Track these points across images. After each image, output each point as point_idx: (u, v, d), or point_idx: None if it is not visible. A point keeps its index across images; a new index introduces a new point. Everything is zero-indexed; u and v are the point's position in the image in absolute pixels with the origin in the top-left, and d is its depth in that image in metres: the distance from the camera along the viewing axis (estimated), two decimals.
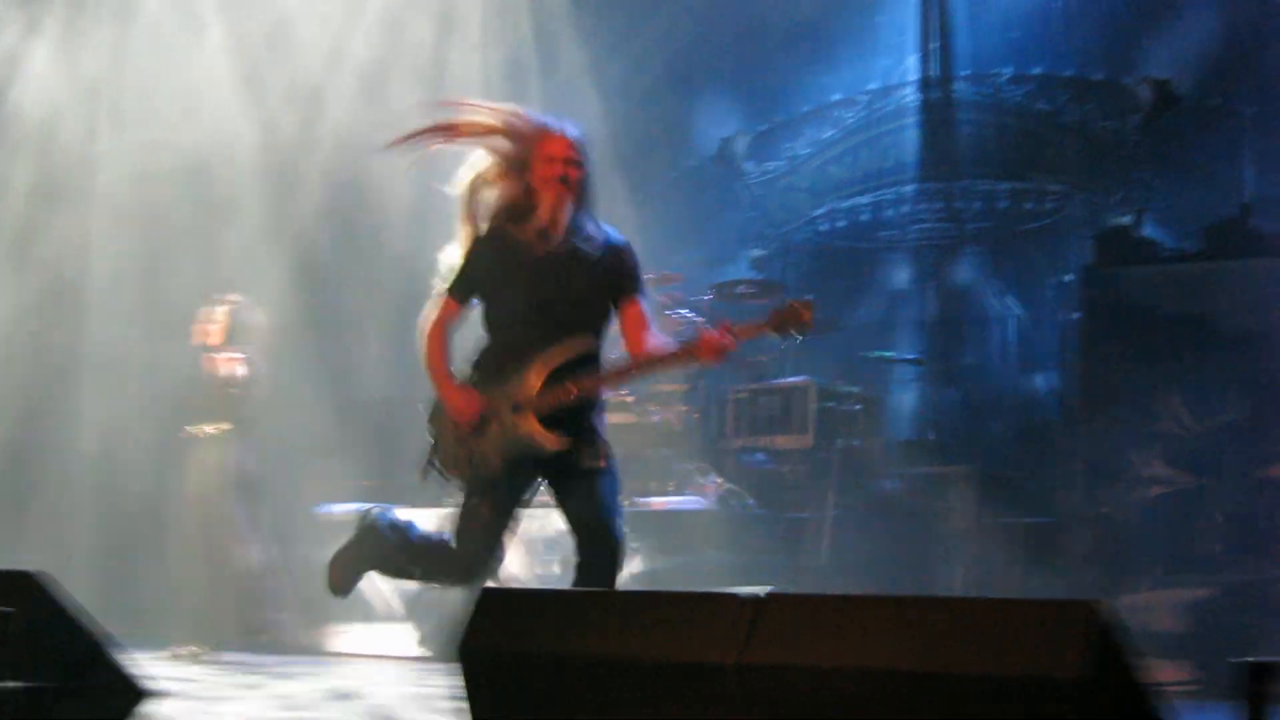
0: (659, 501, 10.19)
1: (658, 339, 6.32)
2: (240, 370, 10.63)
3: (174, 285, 11.88)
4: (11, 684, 5.16)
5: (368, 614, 10.46)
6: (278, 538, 11.01)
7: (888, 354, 11.55)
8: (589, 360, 6.17)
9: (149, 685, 6.00)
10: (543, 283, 6.07)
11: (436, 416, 6.32)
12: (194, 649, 10.17)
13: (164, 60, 12.56)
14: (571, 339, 6.06)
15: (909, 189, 13.09)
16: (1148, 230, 9.91)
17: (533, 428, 5.96)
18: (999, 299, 12.44)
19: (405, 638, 10.32)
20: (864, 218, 13.37)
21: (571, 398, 5.97)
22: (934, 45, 12.97)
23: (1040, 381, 12.07)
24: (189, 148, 12.36)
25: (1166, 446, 8.95)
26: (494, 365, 6.16)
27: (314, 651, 10.62)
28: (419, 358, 6.39)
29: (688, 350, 6.11)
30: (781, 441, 10.77)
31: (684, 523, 9.99)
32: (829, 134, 13.62)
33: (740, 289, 11.62)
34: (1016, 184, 12.51)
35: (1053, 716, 3.45)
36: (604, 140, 12.89)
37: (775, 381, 11.27)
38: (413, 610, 10.31)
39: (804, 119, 13.78)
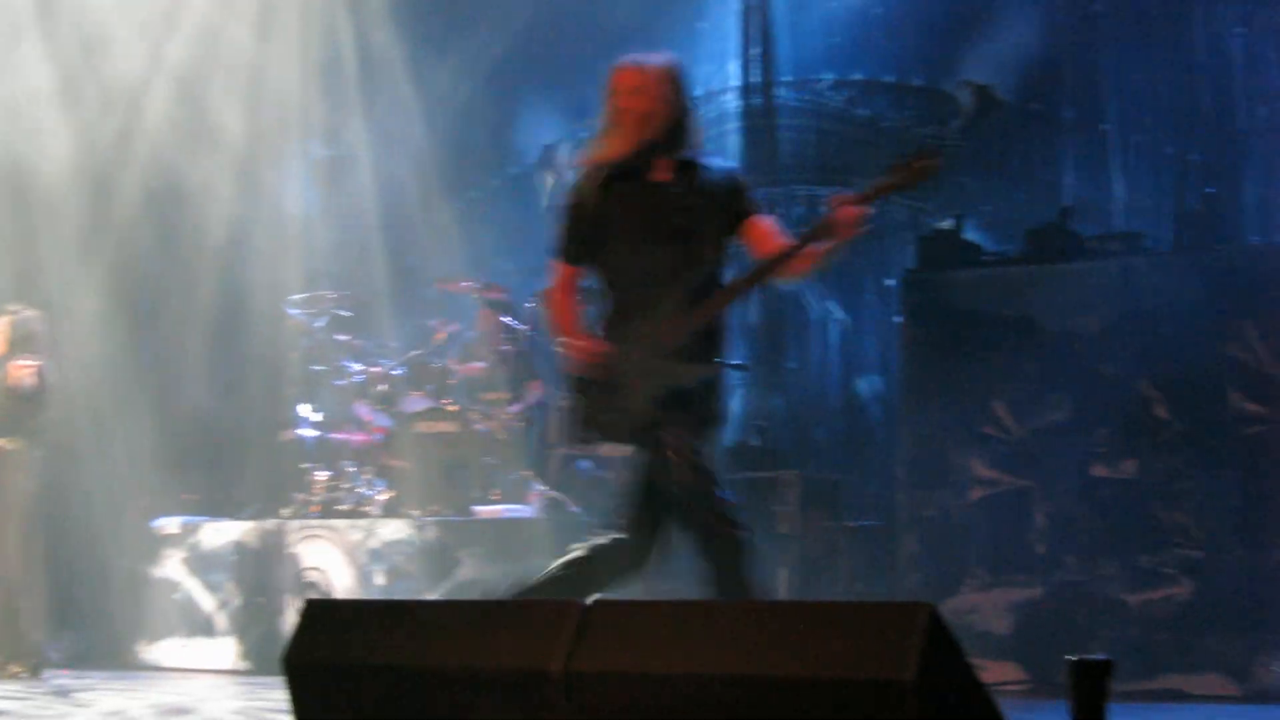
0: (486, 510, 10.14)
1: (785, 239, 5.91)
2: (29, 380, 10.28)
3: None
4: None
5: (190, 628, 10.31)
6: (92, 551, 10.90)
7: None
8: (713, 290, 5.80)
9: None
10: (650, 226, 5.76)
11: (575, 383, 5.90)
12: (15, 668, 9.86)
13: None
14: (692, 269, 5.70)
15: None
16: (969, 234, 9.99)
17: (673, 361, 5.59)
18: (821, 304, 12.51)
19: (228, 651, 10.17)
20: None
21: (701, 321, 5.64)
22: (755, 51, 13.03)
23: (864, 385, 12.17)
24: (4, 155, 12.12)
25: (990, 449, 9.03)
26: (619, 316, 5.81)
27: (137, 666, 10.45)
28: (548, 328, 6.24)
29: (822, 230, 5.71)
30: (606, 449, 10.74)
31: (511, 531, 9.97)
32: None
33: None
34: (838, 189, 12.50)
35: (890, 718, 3.45)
36: (426, 147, 12.85)
37: None
38: (234, 623, 10.16)
39: None
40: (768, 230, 5.89)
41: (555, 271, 6.00)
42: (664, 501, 5.77)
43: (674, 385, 5.60)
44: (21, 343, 10.34)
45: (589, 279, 5.98)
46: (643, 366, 5.60)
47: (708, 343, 5.72)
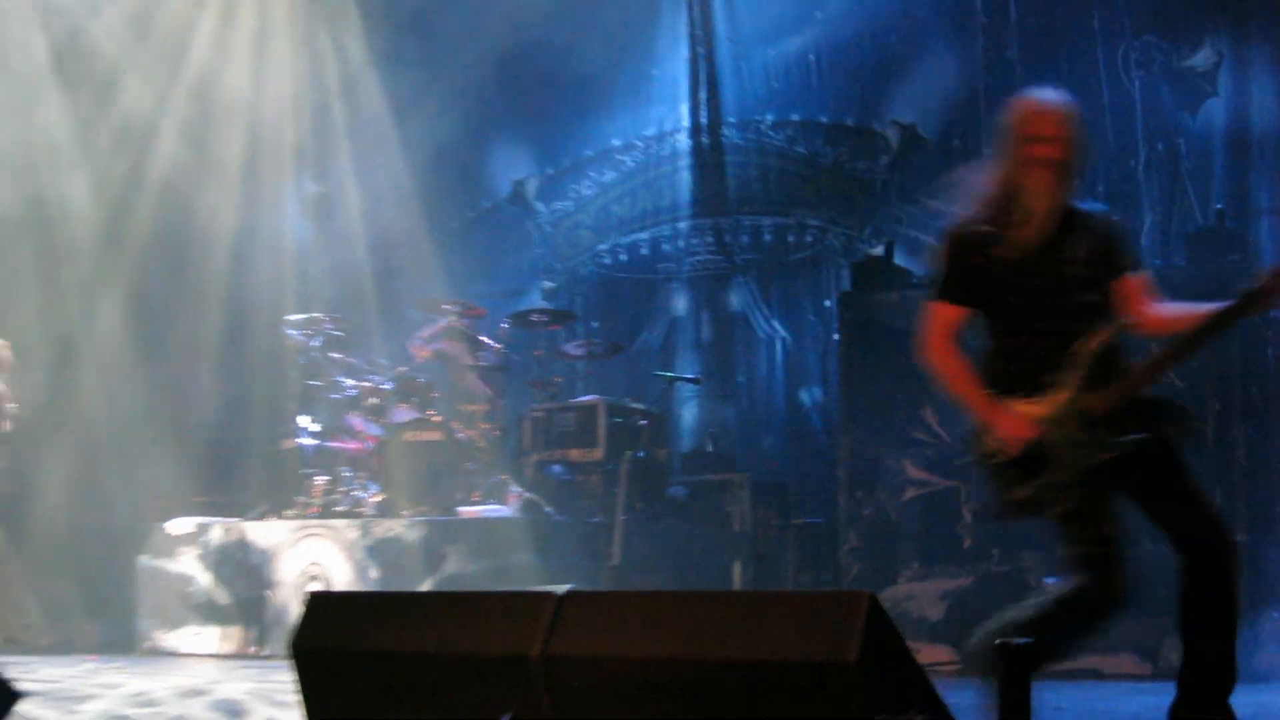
0: (468, 511, 10.13)
1: (1174, 308, 5.15)
2: None
3: (14, 321, 11.61)
4: None
5: (204, 618, 10.28)
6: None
7: (669, 374, 11.56)
8: (1116, 345, 5.00)
9: (20, 687, 5.85)
10: (1042, 275, 4.95)
11: (985, 452, 5.08)
12: None
13: (5, 122, 12.31)
14: (1092, 327, 4.90)
15: (684, 225, 13.15)
16: (898, 259, 10.01)
17: (1103, 429, 4.82)
18: (767, 323, 12.53)
19: (238, 638, 10.15)
20: (644, 251, 13.40)
21: (1137, 387, 4.94)
22: (703, 95, 13.07)
23: (805, 397, 12.17)
24: (26, 192, 12.08)
25: (920, 453, 9.05)
26: (1012, 374, 5.02)
27: (157, 652, 10.41)
28: (937, 379, 5.25)
29: (1255, 299, 4.79)
30: (576, 454, 10.76)
31: (491, 530, 9.95)
32: (610, 176, 13.65)
33: (534, 317, 11.58)
34: (780, 219, 12.62)
35: (835, 696, 3.47)
36: (407, 183, 12.87)
37: (569, 401, 11.27)
38: (244, 613, 10.14)
39: (588, 163, 13.80)
40: (1141, 287, 5.16)
41: (935, 314, 5.14)
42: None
43: (1109, 455, 4.85)
44: None
45: (969, 326, 5.15)
46: (1070, 438, 4.85)
47: (1136, 408, 4.92)
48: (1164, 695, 6.64)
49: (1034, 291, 4.97)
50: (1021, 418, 4.88)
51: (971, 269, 5.02)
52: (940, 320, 5.10)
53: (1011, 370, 4.99)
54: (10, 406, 10.27)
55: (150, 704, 7.71)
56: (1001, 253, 4.94)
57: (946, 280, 5.09)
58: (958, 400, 5.13)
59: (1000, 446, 4.94)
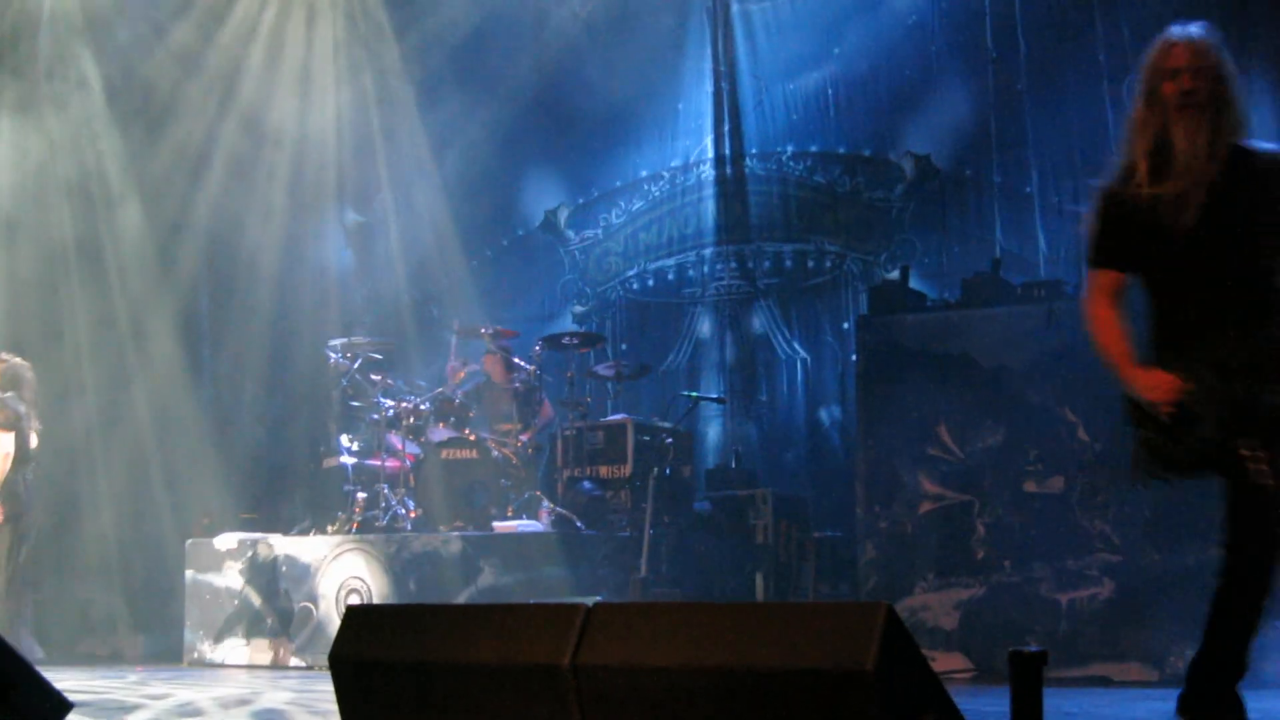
0: (502, 526, 10.10)
1: None
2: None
3: (68, 344, 11.67)
4: None
5: (248, 630, 10.26)
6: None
7: (694, 394, 11.55)
8: (1273, 296, 4.50)
9: (70, 699, 5.84)
10: (1203, 227, 4.46)
11: (1135, 413, 4.64)
12: None
13: (60, 154, 12.37)
14: (1254, 282, 4.48)
15: (708, 251, 13.15)
16: (913, 283, 9.98)
17: (1254, 381, 4.35)
18: (788, 344, 12.51)
19: (281, 650, 10.12)
20: (670, 277, 13.40)
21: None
22: (726, 128, 13.09)
23: (825, 415, 12.14)
24: (81, 223, 12.14)
25: (935, 468, 9.00)
26: (1173, 333, 4.58)
27: (203, 664, 10.40)
28: (1095, 346, 4.76)
29: None
30: (605, 471, 10.74)
31: (524, 544, 9.92)
32: (639, 205, 13.66)
33: (566, 339, 11.57)
34: (800, 245, 12.60)
35: (853, 703, 3.45)
36: (445, 213, 12.89)
37: (599, 420, 11.26)
38: (287, 625, 10.12)
39: (617, 193, 13.81)
40: None
41: (1092, 280, 4.72)
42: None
43: (1259, 410, 4.38)
44: (9, 385, 10.19)
45: (1130, 287, 4.71)
46: (1216, 393, 4.40)
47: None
48: (1171, 701, 6.56)
49: (1194, 245, 4.49)
50: (1163, 377, 4.46)
51: (1124, 228, 4.61)
52: (1096, 286, 4.69)
53: (1172, 327, 4.57)
54: (35, 426, 10.25)
55: (195, 714, 7.68)
56: (1156, 206, 4.50)
57: (1099, 243, 4.69)
58: (1109, 368, 4.69)
59: (1145, 405, 4.52)
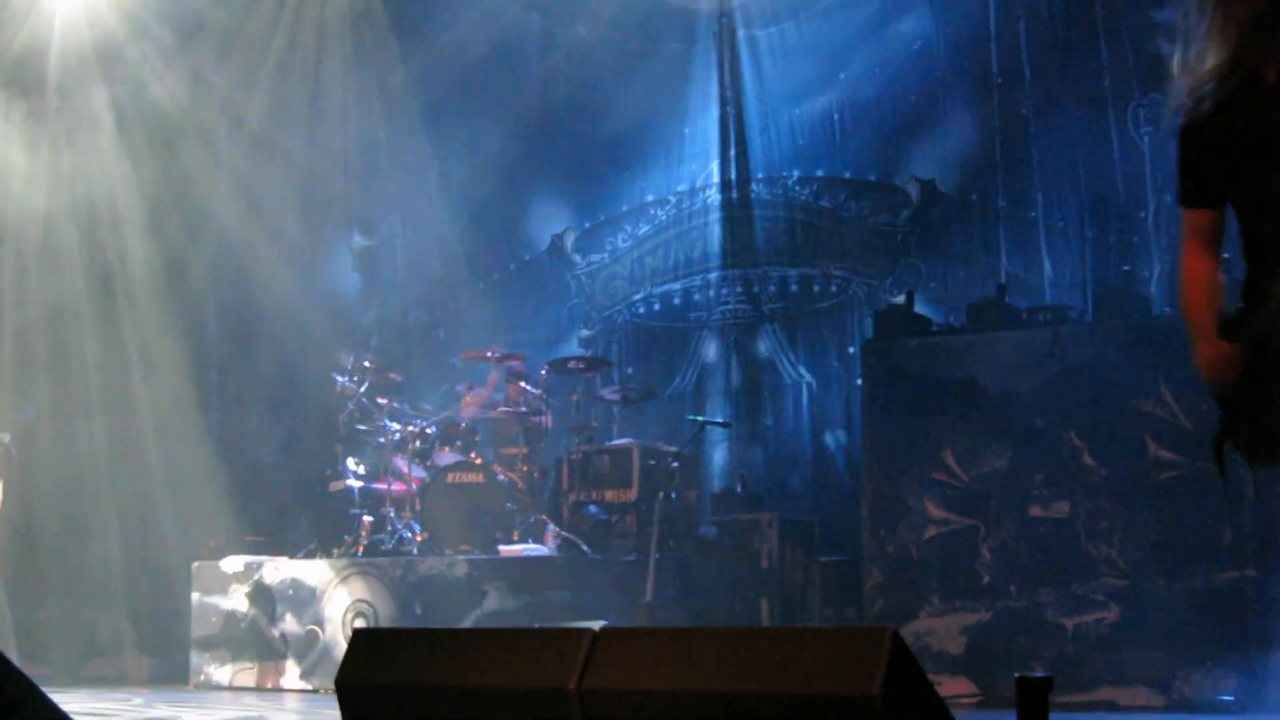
0: (508, 549, 10.09)
1: None
2: None
3: (75, 367, 11.68)
4: None
5: (255, 653, 10.24)
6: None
7: (700, 418, 11.52)
8: None
9: None
10: None
11: (1217, 399, 3.86)
12: None
13: (70, 179, 12.40)
14: None
15: (714, 276, 13.14)
16: (918, 307, 9.99)
17: None
18: (793, 369, 12.48)
19: (287, 673, 10.09)
20: (676, 301, 13.39)
21: None
22: (732, 153, 13.08)
23: (830, 439, 12.11)
24: (90, 247, 12.16)
25: (941, 492, 8.99)
26: (1265, 277, 3.75)
27: (210, 686, 10.39)
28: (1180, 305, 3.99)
29: None
30: (611, 495, 10.74)
31: (529, 568, 9.91)
32: (645, 230, 13.66)
33: (572, 364, 11.57)
34: (805, 270, 12.58)
35: None
36: (452, 237, 12.90)
37: (604, 444, 11.26)
38: (293, 648, 10.10)
39: (623, 217, 13.81)
40: None
41: (1185, 225, 3.94)
42: None
43: None
44: None
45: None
46: None
47: None
48: None
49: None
50: (1221, 347, 3.76)
51: (1211, 153, 3.79)
52: (1188, 230, 3.90)
53: (1264, 265, 3.77)
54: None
55: None
56: (1242, 119, 3.70)
57: (1184, 180, 3.89)
58: (1188, 322, 3.92)
59: (1211, 386, 3.82)
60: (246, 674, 10.28)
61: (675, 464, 10.72)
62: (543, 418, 11.33)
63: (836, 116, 12.40)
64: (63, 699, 6.03)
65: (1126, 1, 10.77)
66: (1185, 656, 8.12)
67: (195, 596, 10.53)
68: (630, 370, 13.32)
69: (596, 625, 4.50)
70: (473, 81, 13.55)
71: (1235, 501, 8.18)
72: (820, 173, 12.58)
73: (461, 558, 9.88)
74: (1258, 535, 8.15)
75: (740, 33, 13.08)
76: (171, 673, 10.90)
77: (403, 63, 13.43)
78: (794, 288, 12.60)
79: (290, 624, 10.12)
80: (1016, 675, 3.76)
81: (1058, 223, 11.07)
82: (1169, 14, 9.63)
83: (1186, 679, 8.10)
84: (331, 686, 4.55)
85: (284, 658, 10.12)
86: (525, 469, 10.87)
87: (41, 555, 10.85)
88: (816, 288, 12.48)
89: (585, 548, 10.32)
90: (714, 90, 13.23)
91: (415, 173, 13.58)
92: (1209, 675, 8.05)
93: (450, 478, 10.58)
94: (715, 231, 13.17)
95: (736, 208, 13.06)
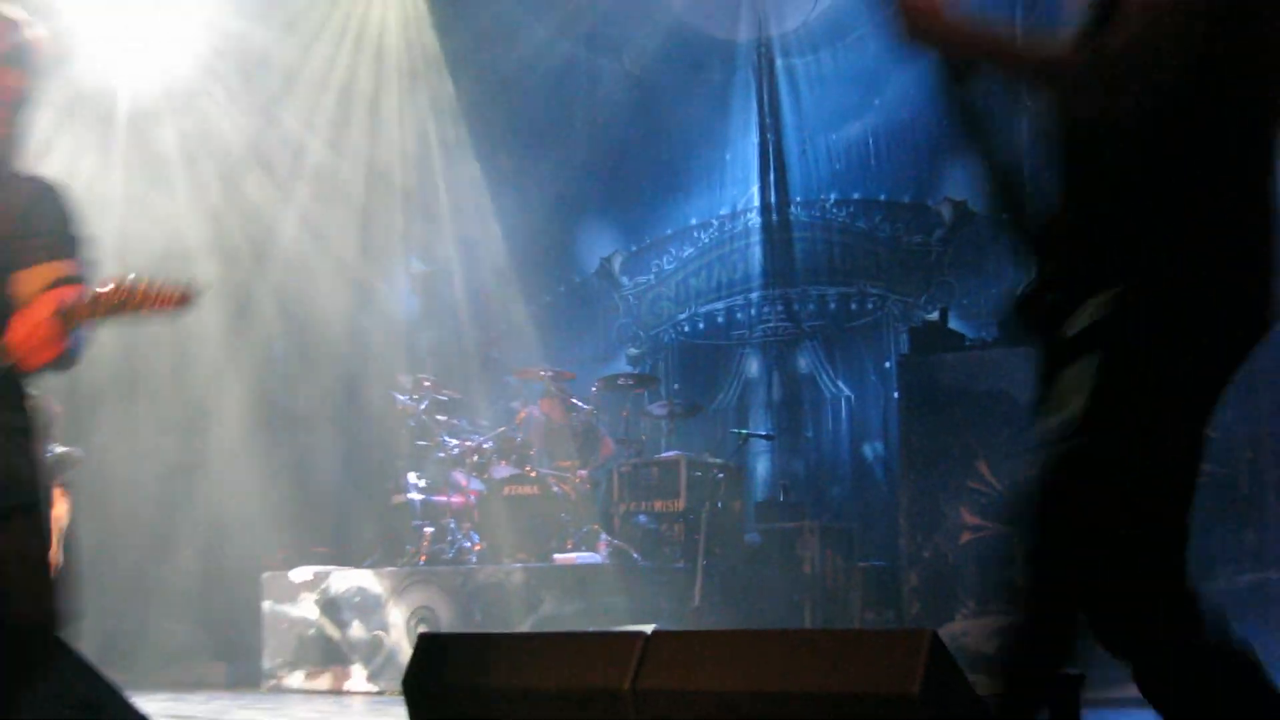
0: (562, 558, 10.13)
1: None
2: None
3: (146, 389, 11.78)
4: None
5: (323, 658, 10.31)
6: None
7: (744, 431, 11.55)
8: None
9: None
10: None
11: None
12: None
13: (135, 207, 12.47)
14: None
15: (755, 295, 13.17)
16: (952, 323, 10.00)
17: None
18: (832, 383, 12.50)
19: (355, 677, 10.15)
20: (719, 320, 13.43)
21: None
22: (772, 177, 13.11)
23: (868, 450, 12.11)
24: (158, 273, 12.28)
25: (974, 500, 8.99)
26: None
27: (280, 690, 10.45)
28: None
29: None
30: (660, 505, 10.76)
31: (583, 575, 9.94)
32: (689, 252, 13.71)
33: (621, 381, 11.62)
34: (843, 289, 12.60)
35: None
36: (505, 261, 12.98)
37: (653, 456, 11.29)
38: (360, 654, 10.16)
39: (668, 240, 13.87)
40: None
41: None
42: None
43: None
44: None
45: None
46: None
47: None
48: None
49: None
50: None
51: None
52: None
53: None
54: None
55: None
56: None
57: None
58: None
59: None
60: (316, 678, 10.34)
61: (721, 475, 10.74)
62: (593, 432, 11.39)
63: (871, 141, 12.43)
64: (142, 701, 6.11)
65: None
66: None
67: (266, 605, 10.60)
68: (676, 386, 13.37)
69: (648, 628, 4.54)
70: (525, 114, 13.66)
71: (1258, 506, 8.16)
72: (856, 195, 12.60)
73: (518, 566, 9.92)
74: (1278, 538, 8.14)
75: (778, 62, 13.12)
76: (245, 678, 10.97)
77: (457, 96, 13.53)
78: (832, 306, 12.62)
79: (357, 630, 10.17)
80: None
81: None
82: None
83: None
84: (398, 688, 4.60)
85: (351, 662, 10.18)
86: (577, 481, 10.91)
87: (121, 569, 10.93)
88: (854, 306, 12.50)
89: (636, 555, 10.35)
90: (754, 117, 13.27)
91: (470, 201, 13.66)
92: None
93: (506, 490, 10.63)
94: (756, 253, 13.21)
95: (776, 230, 13.09)
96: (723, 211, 13.51)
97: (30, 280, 4.06)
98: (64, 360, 4.01)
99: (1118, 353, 2.86)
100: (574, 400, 11.37)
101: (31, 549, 4.20)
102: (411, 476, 10.94)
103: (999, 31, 2.93)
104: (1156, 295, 2.81)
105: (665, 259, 13.86)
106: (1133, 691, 8.12)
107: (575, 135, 13.72)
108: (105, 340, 12.07)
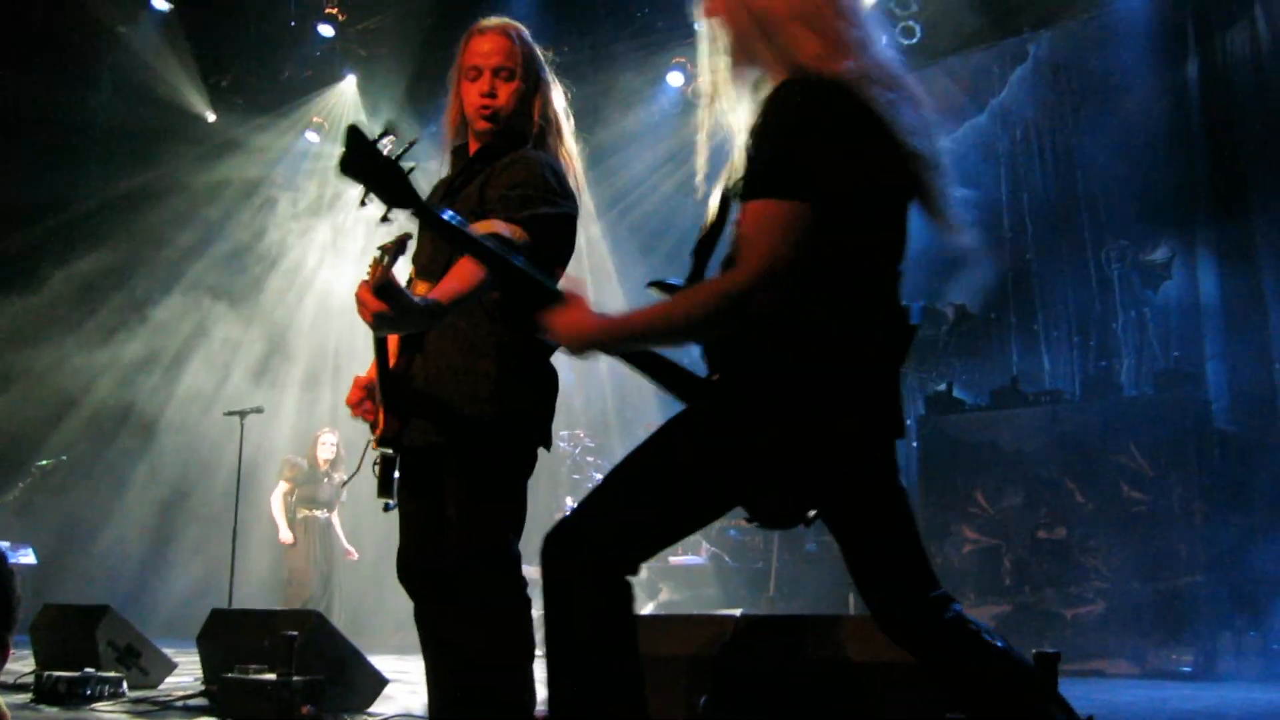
0: (675, 560, 10.09)
1: None
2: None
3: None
4: (299, 678, 5.08)
5: None
6: None
7: None
8: None
9: (386, 676, 5.90)
10: None
11: None
12: None
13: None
14: None
15: None
16: (956, 393, 9.88)
17: None
18: None
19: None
20: None
21: None
22: None
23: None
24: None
25: (973, 521, 8.85)
26: None
27: None
28: None
29: None
30: (744, 523, 10.65)
31: (689, 572, 9.90)
32: None
33: None
34: None
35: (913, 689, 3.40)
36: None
37: None
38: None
39: None
40: None
41: None
42: None
43: None
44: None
45: None
46: None
47: None
48: (1154, 690, 6.29)
49: None
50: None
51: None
52: None
53: None
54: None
55: None
56: None
57: None
58: None
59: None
60: None
61: None
62: None
63: None
64: (376, 660, 6.12)
65: (1095, 179, 10.64)
66: (1154, 638, 7.86)
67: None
68: None
69: (736, 612, 4.48)
70: (647, 222, 13.37)
71: (1188, 526, 7.97)
72: None
73: (643, 566, 9.89)
74: (1207, 550, 7.92)
75: None
76: None
77: (598, 217, 13.27)
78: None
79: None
80: (1033, 651, 3.68)
81: (1053, 333, 10.87)
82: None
83: (1156, 654, 7.83)
84: None
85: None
86: None
87: (363, 558, 10.84)
88: None
89: (727, 558, 10.26)
90: None
91: (600, 273, 13.31)
92: (1173, 652, 7.79)
93: None
94: None
95: None
96: None
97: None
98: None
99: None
100: None
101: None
102: (568, 501, 10.97)
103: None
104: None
105: None
106: (1093, 666, 7.83)
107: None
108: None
